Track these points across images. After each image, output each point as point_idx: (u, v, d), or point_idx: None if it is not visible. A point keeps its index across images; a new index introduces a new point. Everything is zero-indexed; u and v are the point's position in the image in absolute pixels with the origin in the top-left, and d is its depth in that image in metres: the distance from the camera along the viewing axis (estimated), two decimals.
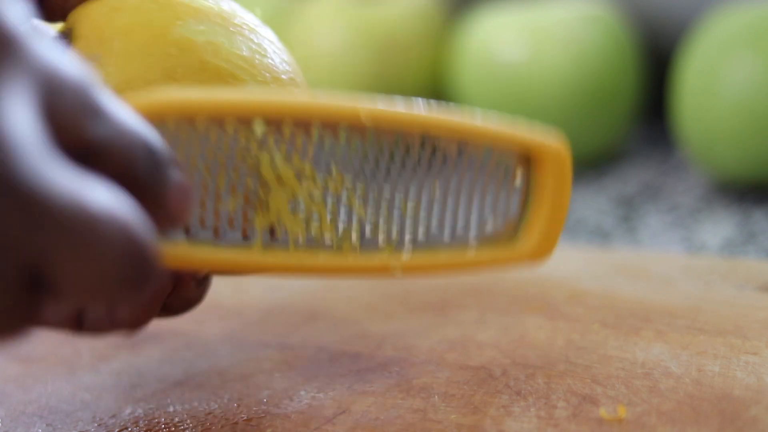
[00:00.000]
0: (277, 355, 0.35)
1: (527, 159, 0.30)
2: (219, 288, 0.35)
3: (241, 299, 0.39)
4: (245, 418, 0.31)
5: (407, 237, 0.29)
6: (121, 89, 0.27)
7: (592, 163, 0.58)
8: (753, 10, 0.50)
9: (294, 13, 0.65)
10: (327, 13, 0.62)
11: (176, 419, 0.31)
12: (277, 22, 0.66)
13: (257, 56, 0.29)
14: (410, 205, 0.29)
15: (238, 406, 0.31)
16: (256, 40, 0.30)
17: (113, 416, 0.32)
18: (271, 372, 0.34)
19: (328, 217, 0.28)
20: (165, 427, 0.31)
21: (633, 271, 0.40)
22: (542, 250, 0.30)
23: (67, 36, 0.29)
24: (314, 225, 0.28)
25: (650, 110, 0.62)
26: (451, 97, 0.61)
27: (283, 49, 0.31)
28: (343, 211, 0.28)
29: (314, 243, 0.28)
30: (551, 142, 0.30)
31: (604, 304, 0.37)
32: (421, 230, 0.29)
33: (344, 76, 0.61)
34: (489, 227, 0.30)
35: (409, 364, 0.33)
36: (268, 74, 0.29)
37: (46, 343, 0.38)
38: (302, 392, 0.32)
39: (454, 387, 0.31)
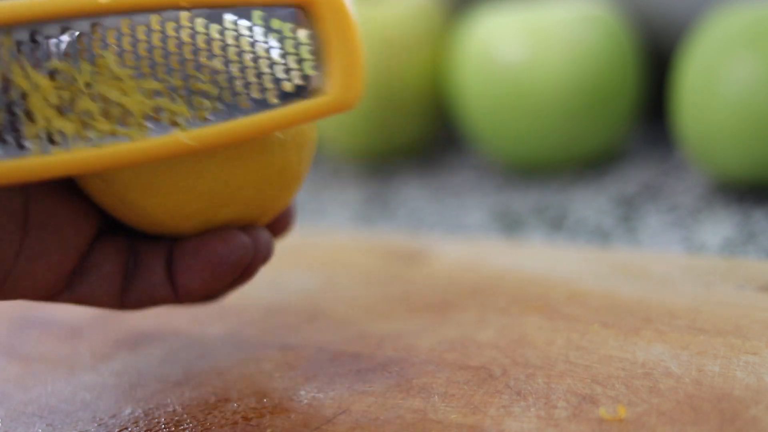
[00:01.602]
0: (277, 355, 0.35)
1: (303, 11, 0.29)
2: None
3: (241, 299, 0.39)
4: (245, 418, 0.31)
5: (199, 114, 0.28)
6: None
7: (592, 163, 0.58)
8: (753, 10, 0.50)
9: None
10: None
11: (176, 419, 0.31)
12: None
13: None
14: (192, 81, 0.28)
15: (238, 406, 0.31)
16: None
17: (113, 416, 0.32)
18: (271, 372, 0.34)
19: (99, 108, 0.27)
20: (165, 427, 0.31)
21: (633, 271, 0.40)
22: (348, 95, 0.30)
23: None
24: (91, 121, 0.27)
25: (650, 110, 0.62)
26: (451, 97, 0.61)
27: None
28: (119, 100, 0.27)
29: (99, 140, 0.27)
30: None
31: (604, 304, 0.37)
32: (210, 105, 0.28)
33: None
34: (288, 86, 0.29)
35: (409, 364, 0.33)
36: None
37: (46, 343, 0.38)
38: (302, 392, 0.32)
39: (454, 387, 0.31)
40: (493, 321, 0.36)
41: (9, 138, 0.26)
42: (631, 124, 0.60)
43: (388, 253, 0.45)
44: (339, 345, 0.35)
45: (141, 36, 0.28)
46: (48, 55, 0.27)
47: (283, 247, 0.39)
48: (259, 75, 0.29)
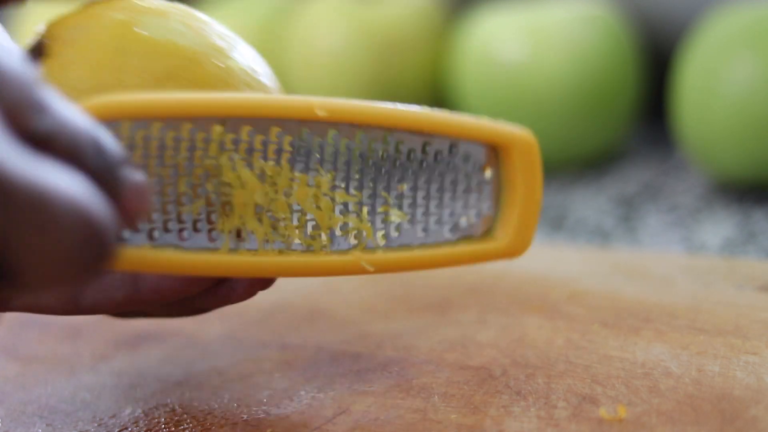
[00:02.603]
0: (277, 355, 0.35)
1: (495, 151, 0.30)
2: None
3: None
4: (245, 418, 0.31)
5: (379, 234, 0.29)
6: (91, 92, 0.27)
7: (592, 163, 0.58)
8: (753, 10, 0.50)
9: (294, 13, 0.65)
10: (327, 13, 0.62)
11: (176, 419, 0.31)
12: (277, 22, 0.66)
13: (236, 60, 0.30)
14: (380, 202, 0.29)
15: (238, 406, 0.31)
16: (233, 45, 0.30)
17: (113, 416, 0.32)
18: (271, 372, 0.34)
19: (295, 218, 0.28)
20: (165, 427, 0.31)
21: (633, 271, 0.40)
22: (518, 245, 0.30)
23: (39, 47, 0.29)
24: (281, 226, 0.28)
25: (650, 110, 0.62)
26: (451, 97, 0.61)
27: (260, 59, 0.31)
28: (311, 210, 0.28)
29: (283, 244, 0.28)
30: (517, 132, 0.30)
31: (604, 304, 0.37)
32: (392, 227, 0.29)
33: (344, 76, 0.61)
34: (463, 223, 0.30)
35: (409, 364, 0.33)
36: (248, 78, 0.29)
37: (46, 343, 0.38)
38: (302, 392, 0.32)
39: (454, 387, 0.31)
40: (493, 321, 0.36)
41: (202, 228, 0.27)
42: (631, 124, 0.60)
43: None
44: (339, 345, 0.35)
45: (342, 149, 0.28)
46: (256, 156, 0.27)
47: None
48: (440, 206, 0.29)
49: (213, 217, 0.27)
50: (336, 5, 0.62)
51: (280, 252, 0.28)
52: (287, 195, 0.28)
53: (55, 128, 0.21)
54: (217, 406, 0.32)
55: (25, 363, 0.37)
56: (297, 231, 0.28)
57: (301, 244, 0.28)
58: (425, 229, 0.29)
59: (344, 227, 0.28)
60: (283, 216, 0.28)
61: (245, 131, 0.27)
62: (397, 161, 0.29)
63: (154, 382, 0.34)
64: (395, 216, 0.29)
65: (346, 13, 0.61)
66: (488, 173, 0.30)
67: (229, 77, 0.29)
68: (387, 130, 0.28)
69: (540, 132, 0.56)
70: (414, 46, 0.61)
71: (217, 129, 0.26)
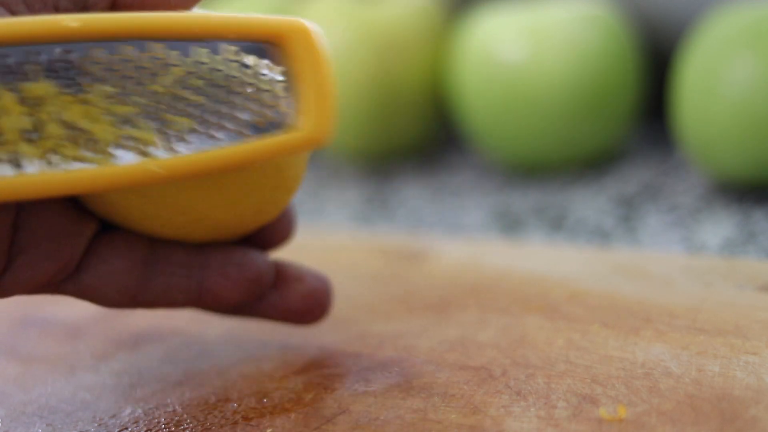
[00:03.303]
0: (277, 355, 0.35)
1: (275, 46, 0.29)
2: None
3: None
4: (245, 418, 0.31)
5: (166, 143, 0.28)
6: None
7: (592, 163, 0.58)
8: (753, 10, 0.50)
9: (294, 13, 0.65)
10: (327, 13, 0.62)
11: (176, 419, 0.31)
12: None
13: None
14: (161, 111, 0.28)
15: (238, 406, 0.31)
16: None
17: (113, 416, 0.32)
18: (271, 372, 0.34)
19: (74, 138, 0.27)
20: (165, 427, 0.31)
21: (633, 271, 0.40)
22: (318, 132, 0.30)
23: None
24: (60, 147, 0.27)
25: (650, 110, 0.62)
26: (451, 97, 0.61)
27: None
28: (89, 127, 0.27)
29: (66, 164, 0.27)
30: (288, 23, 0.29)
31: (604, 304, 0.37)
32: (181, 135, 0.28)
33: (344, 75, 0.61)
34: (259, 120, 0.29)
35: (409, 364, 0.33)
36: None
37: (46, 343, 0.38)
38: (302, 392, 0.32)
39: (454, 387, 0.31)
40: (493, 321, 0.36)
41: None
42: (631, 124, 0.60)
43: (388, 253, 0.45)
44: (339, 345, 0.35)
45: (106, 62, 0.27)
46: (17, 79, 0.27)
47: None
48: (232, 108, 0.29)
49: None
50: (336, 5, 0.62)
51: (64, 171, 0.27)
52: (60, 115, 0.27)
53: None
54: (217, 406, 0.32)
55: (25, 363, 0.37)
56: (79, 150, 0.27)
57: (85, 161, 0.27)
58: (219, 133, 0.29)
59: (127, 139, 0.28)
60: (57, 136, 0.27)
61: (8, 60, 0.26)
62: (178, 70, 0.28)
63: (154, 382, 0.34)
64: (181, 123, 0.28)
65: (346, 13, 0.61)
66: (276, 68, 0.29)
67: None
68: (151, 39, 0.28)
69: (540, 132, 0.57)
70: (414, 46, 0.61)
71: None
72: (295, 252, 0.36)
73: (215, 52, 0.29)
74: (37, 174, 0.27)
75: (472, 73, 0.58)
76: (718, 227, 0.46)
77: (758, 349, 0.32)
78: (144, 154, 0.28)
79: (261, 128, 0.29)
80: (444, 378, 0.32)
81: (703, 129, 0.50)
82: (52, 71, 0.27)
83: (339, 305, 0.39)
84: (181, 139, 0.28)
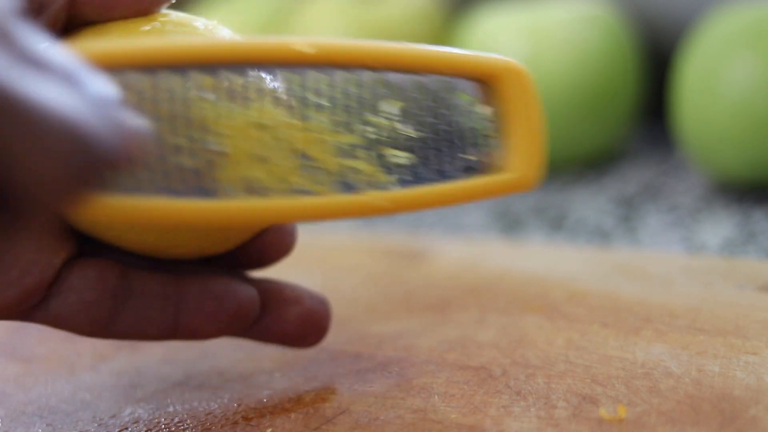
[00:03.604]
0: (277, 355, 0.35)
1: (489, 85, 0.30)
2: None
3: None
4: (245, 418, 0.31)
5: (388, 177, 0.28)
6: None
7: (592, 163, 0.58)
8: (753, 10, 0.50)
9: (294, 13, 0.65)
10: (327, 13, 0.62)
11: (176, 419, 0.31)
12: (277, 22, 0.66)
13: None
14: (383, 143, 0.28)
15: (238, 406, 0.31)
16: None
17: (113, 416, 0.32)
18: (271, 372, 0.34)
19: (301, 164, 0.27)
20: (165, 427, 0.31)
21: (633, 271, 0.40)
22: (528, 175, 0.30)
23: None
24: (286, 172, 0.27)
25: (650, 110, 0.62)
26: None
27: None
28: (317, 155, 0.27)
29: (291, 190, 0.27)
30: (504, 62, 0.29)
31: (604, 304, 0.37)
32: (399, 169, 0.29)
33: None
34: (471, 160, 0.29)
35: (409, 364, 0.33)
36: None
37: (46, 343, 0.38)
38: (302, 392, 0.32)
39: (454, 387, 0.31)
40: (493, 321, 0.36)
41: (192, 179, 0.26)
42: (631, 124, 0.60)
43: (388, 253, 0.45)
44: (339, 345, 0.35)
45: (338, 94, 0.28)
46: (248, 101, 0.27)
47: None
48: (441, 145, 0.29)
49: (210, 168, 0.26)
50: (336, 5, 0.62)
51: (291, 196, 0.27)
52: (289, 141, 0.27)
53: (48, 55, 0.21)
54: (217, 406, 0.32)
55: (25, 363, 0.37)
56: (305, 177, 0.27)
57: (311, 190, 0.27)
58: (432, 169, 0.29)
59: (352, 170, 0.28)
60: (288, 163, 0.27)
61: (225, 76, 0.26)
62: (390, 100, 0.29)
63: (154, 382, 0.34)
64: (400, 157, 0.29)
65: (346, 13, 0.61)
66: (486, 108, 0.30)
67: None
68: (372, 69, 0.28)
69: None
70: None
71: (208, 80, 0.26)
72: (296, 252, 0.36)
73: (432, 87, 0.29)
74: (269, 199, 0.27)
75: None
76: (718, 227, 0.46)
77: (758, 349, 0.32)
78: (368, 186, 0.28)
79: (470, 169, 0.30)
80: (444, 378, 0.32)
81: (703, 129, 0.50)
82: (280, 97, 0.27)
83: (339, 305, 0.39)
84: (402, 174, 0.29)
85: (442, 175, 0.29)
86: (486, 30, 0.58)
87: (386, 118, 0.28)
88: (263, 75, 0.27)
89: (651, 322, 0.35)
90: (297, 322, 0.32)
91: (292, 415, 0.30)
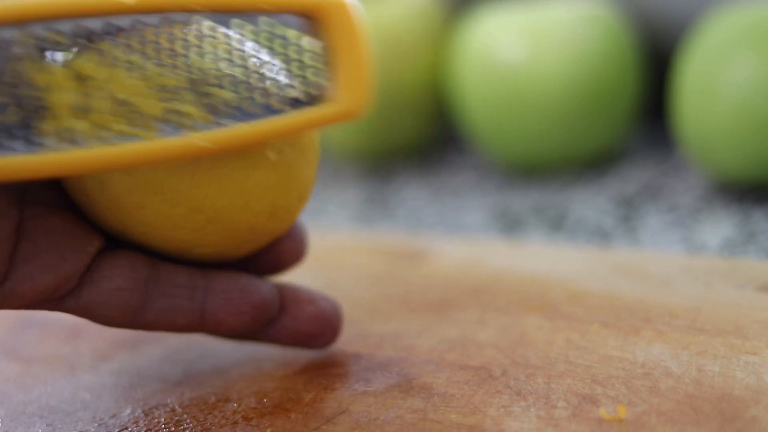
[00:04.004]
0: (277, 355, 0.35)
1: (315, 19, 0.30)
2: None
3: None
4: (245, 418, 0.31)
5: (218, 116, 0.28)
6: None
7: (592, 163, 0.58)
8: (753, 10, 0.50)
9: None
10: None
11: (176, 419, 0.31)
12: None
13: None
14: (202, 84, 0.28)
15: (238, 406, 0.31)
16: None
17: (113, 416, 0.32)
18: (271, 372, 0.34)
19: (120, 111, 0.27)
20: (165, 427, 0.31)
21: (633, 271, 0.40)
22: (354, 104, 0.30)
23: None
24: (105, 120, 0.27)
25: (650, 110, 0.62)
26: (451, 97, 0.61)
27: None
28: (134, 100, 0.27)
29: (116, 139, 0.27)
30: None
31: (604, 304, 0.37)
32: (220, 107, 0.28)
33: None
34: (297, 93, 0.29)
35: (409, 364, 0.33)
36: None
37: (46, 343, 0.38)
38: (302, 392, 0.32)
39: (454, 387, 0.31)
40: (493, 321, 0.36)
41: (20, 134, 0.26)
42: (631, 124, 0.60)
43: (388, 253, 0.45)
44: (339, 345, 0.35)
45: (150, 37, 0.28)
46: (64, 54, 0.27)
47: None
48: (265, 80, 0.29)
49: (32, 123, 0.26)
50: None
51: (111, 145, 0.27)
52: (108, 89, 0.27)
53: None
54: (217, 406, 0.32)
55: (25, 363, 0.37)
56: (129, 124, 0.27)
57: (136, 137, 0.27)
58: (259, 105, 0.29)
59: (170, 114, 0.28)
60: (104, 110, 0.27)
61: (44, 31, 0.26)
62: (211, 42, 0.28)
63: (154, 382, 0.34)
64: (224, 97, 0.29)
65: None
66: (309, 41, 0.30)
67: None
68: (189, 12, 0.28)
69: (540, 132, 0.57)
70: (414, 46, 0.61)
71: (19, 34, 0.26)
72: None
73: (257, 26, 0.29)
74: (90, 149, 0.27)
75: (472, 73, 0.58)
76: (718, 227, 0.46)
77: (758, 349, 0.32)
78: (189, 128, 0.28)
79: (302, 102, 0.30)
80: (444, 378, 0.32)
81: (703, 129, 0.50)
82: (99, 47, 0.27)
83: None
84: (225, 114, 0.28)
85: (270, 111, 0.29)
86: (486, 30, 0.58)
87: (210, 59, 0.28)
88: (81, 26, 0.27)
89: (651, 322, 0.35)
90: (312, 321, 0.33)
91: (292, 415, 0.30)
